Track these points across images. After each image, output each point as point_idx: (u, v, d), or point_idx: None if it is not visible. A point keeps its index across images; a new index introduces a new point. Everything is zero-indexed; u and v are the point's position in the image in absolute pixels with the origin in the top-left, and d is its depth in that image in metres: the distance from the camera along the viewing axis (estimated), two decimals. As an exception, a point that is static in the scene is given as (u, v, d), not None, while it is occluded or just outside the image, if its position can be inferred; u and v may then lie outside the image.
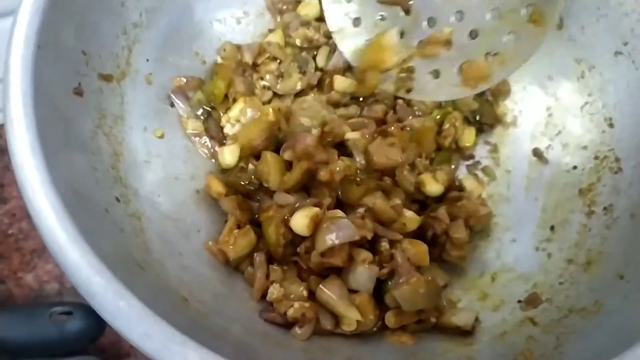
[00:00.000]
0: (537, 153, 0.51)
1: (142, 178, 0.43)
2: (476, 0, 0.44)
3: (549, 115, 0.52)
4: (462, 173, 0.53)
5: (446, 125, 0.50)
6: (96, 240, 0.31)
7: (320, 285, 0.40)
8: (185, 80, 0.50)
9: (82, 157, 0.37)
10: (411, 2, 0.47)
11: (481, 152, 0.53)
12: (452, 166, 0.51)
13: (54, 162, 0.33)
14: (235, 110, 0.49)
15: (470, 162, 0.53)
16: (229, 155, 0.48)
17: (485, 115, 0.52)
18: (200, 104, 0.51)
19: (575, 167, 0.48)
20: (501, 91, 0.53)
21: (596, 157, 0.47)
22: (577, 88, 0.50)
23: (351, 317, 0.40)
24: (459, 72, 0.47)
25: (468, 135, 0.52)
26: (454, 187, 0.50)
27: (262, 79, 0.52)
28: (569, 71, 0.50)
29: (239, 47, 0.53)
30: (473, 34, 0.46)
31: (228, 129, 0.49)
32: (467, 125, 0.52)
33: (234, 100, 0.50)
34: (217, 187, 0.46)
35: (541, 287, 0.42)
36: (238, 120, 0.49)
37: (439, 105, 0.51)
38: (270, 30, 0.55)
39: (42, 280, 0.69)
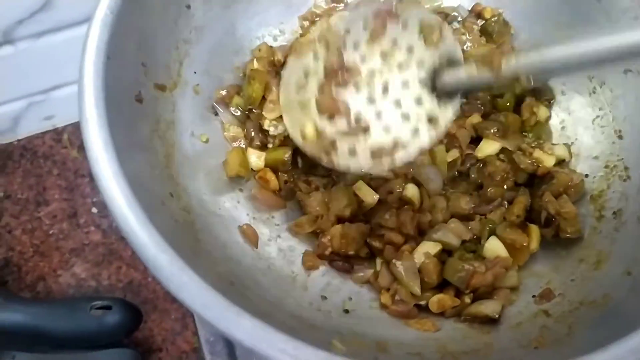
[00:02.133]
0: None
1: (190, 177, 0.47)
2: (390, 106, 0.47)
3: (562, 128, 0.55)
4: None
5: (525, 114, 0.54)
6: (159, 225, 0.35)
7: (394, 260, 0.47)
8: (225, 91, 0.55)
9: (142, 155, 0.42)
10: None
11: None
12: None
13: (122, 158, 0.37)
14: (276, 112, 0.53)
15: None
16: (255, 157, 0.53)
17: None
18: (239, 107, 0.55)
19: (587, 176, 0.52)
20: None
21: (606, 166, 0.51)
22: (589, 102, 0.54)
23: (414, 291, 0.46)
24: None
25: (543, 111, 0.55)
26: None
27: None
28: (582, 87, 0.55)
29: (271, 48, 0.57)
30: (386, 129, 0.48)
31: (272, 130, 0.54)
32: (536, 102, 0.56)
33: (272, 103, 0.54)
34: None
35: (554, 284, 0.46)
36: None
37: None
38: (302, 35, 0.59)
39: (80, 278, 0.73)
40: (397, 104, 0.46)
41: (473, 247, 0.49)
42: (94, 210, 0.76)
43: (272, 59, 0.57)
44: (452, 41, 0.46)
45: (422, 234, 0.50)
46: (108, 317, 0.63)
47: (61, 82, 0.75)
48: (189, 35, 0.51)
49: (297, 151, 0.52)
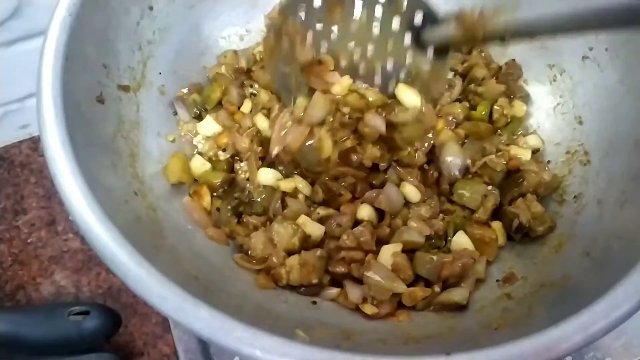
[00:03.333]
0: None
1: (156, 177, 0.48)
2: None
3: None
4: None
5: (495, 115, 0.55)
6: (118, 222, 0.35)
7: (365, 273, 0.45)
8: (187, 89, 0.56)
9: (104, 155, 0.42)
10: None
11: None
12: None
13: (81, 157, 0.37)
14: (208, 126, 0.55)
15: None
16: (199, 164, 0.53)
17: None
18: (195, 104, 0.55)
19: (549, 162, 0.53)
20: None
21: (567, 152, 0.52)
22: (549, 90, 0.55)
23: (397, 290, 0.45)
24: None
25: (519, 107, 0.56)
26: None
27: (251, 86, 0.57)
28: (542, 76, 0.56)
29: (235, 52, 0.58)
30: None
31: (198, 142, 0.55)
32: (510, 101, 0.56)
33: (227, 109, 0.55)
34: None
35: (517, 268, 0.47)
36: (208, 137, 0.54)
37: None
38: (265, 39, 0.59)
39: (59, 286, 0.73)
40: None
41: (438, 243, 0.49)
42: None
43: (236, 65, 0.58)
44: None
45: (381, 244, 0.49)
46: (87, 322, 0.63)
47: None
48: (153, 37, 0.52)
49: (233, 183, 0.52)
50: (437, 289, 0.46)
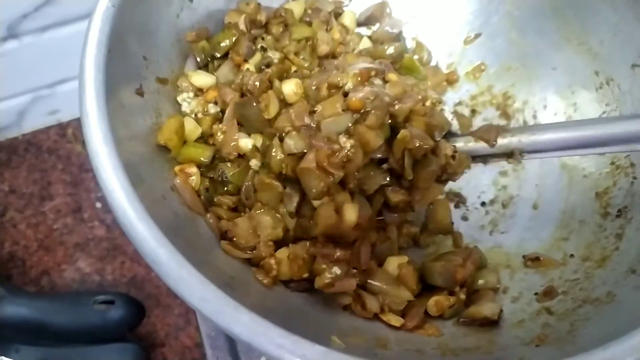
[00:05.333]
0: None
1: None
2: None
3: (568, 124, 0.55)
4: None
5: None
6: (159, 219, 0.35)
7: (369, 280, 0.44)
8: (195, 34, 0.52)
9: (143, 149, 0.42)
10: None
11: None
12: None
13: (122, 151, 0.37)
14: (202, 80, 0.50)
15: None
16: (192, 126, 0.48)
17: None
18: (204, 51, 0.52)
19: (592, 172, 0.51)
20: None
21: (612, 163, 0.50)
22: (595, 98, 0.53)
23: (403, 297, 0.44)
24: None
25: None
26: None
27: (263, 39, 0.54)
28: (588, 82, 0.54)
29: (259, 5, 0.55)
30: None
31: (182, 100, 0.50)
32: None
33: (233, 59, 0.51)
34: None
35: (557, 281, 0.45)
36: (197, 95, 0.50)
37: None
38: None
39: (84, 273, 0.73)
40: None
41: None
42: (98, 205, 0.76)
43: (254, 17, 0.54)
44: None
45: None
46: (111, 312, 0.64)
47: (66, 77, 0.75)
48: (192, 30, 0.51)
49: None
50: (462, 295, 0.45)
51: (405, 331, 0.43)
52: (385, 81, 0.49)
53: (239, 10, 0.54)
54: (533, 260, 0.48)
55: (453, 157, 0.49)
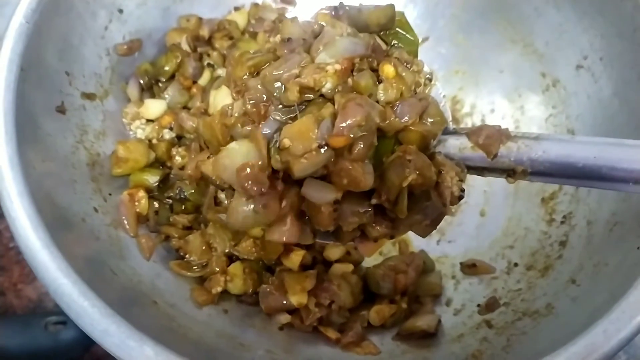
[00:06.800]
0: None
1: (122, 190, 0.45)
2: None
3: (515, 128, 0.53)
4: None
5: None
6: (69, 246, 0.33)
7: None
8: (125, 46, 0.50)
9: (62, 170, 0.40)
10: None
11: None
12: None
13: (33, 175, 0.35)
14: (154, 109, 0.50)
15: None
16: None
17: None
18: (147, 74, 0.50)
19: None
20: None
21: (559, 167, 0.49)
22: (542, 100, 0.52)
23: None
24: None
25: None
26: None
27: (209, 55, 0.52)
28: (535, 84, 0.53)
29: (200, 20, 0.53)
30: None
31: (136, 128, 0.50)
32: None
33: (180, 83, 0.50)
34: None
35: (500, 292, 0.44)
36: (151, 122, 0.50)
37: None
38: (236, 9, 0.56)
39: (41, 292, 0.71)
40: None
41: None
42: (53, 222, 0.74)
43: (197, 34, 0.53)
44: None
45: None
46: (63, 333, 0.62)
47: None
48: (123, 41, 0.49)
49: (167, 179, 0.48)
50: (403, 304, 0.44)
51: (342, 349, 0.41)
52: (373, 70, 0.37)
53: (180, 28, 0.53)
54: (470, 267, 0.47)
55: (460, 197, 0.37)
